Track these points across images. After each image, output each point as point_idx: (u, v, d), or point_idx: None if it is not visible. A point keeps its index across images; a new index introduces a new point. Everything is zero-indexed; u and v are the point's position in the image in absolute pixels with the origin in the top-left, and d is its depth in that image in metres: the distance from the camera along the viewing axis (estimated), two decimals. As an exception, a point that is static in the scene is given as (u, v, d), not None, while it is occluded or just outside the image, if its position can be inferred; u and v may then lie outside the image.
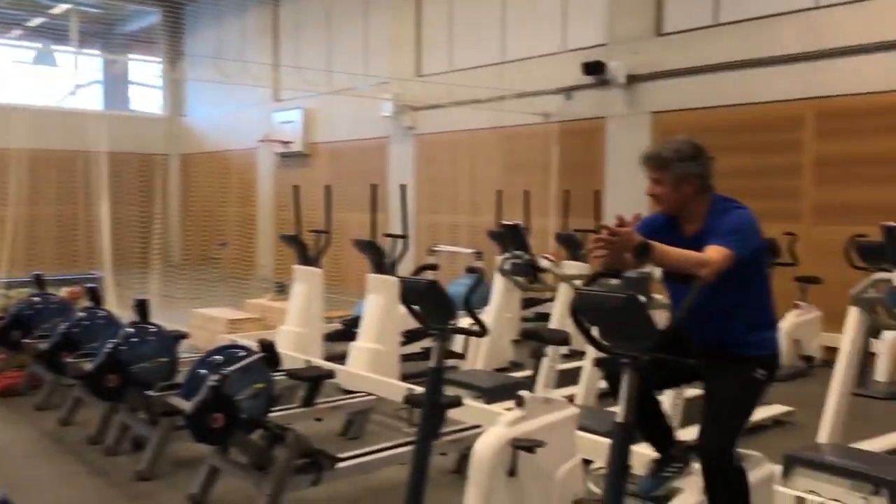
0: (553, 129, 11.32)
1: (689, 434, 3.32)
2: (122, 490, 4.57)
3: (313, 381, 5.16)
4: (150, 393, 4.65)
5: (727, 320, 3.17)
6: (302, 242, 7.88)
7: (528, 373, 6.07)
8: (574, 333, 3.38)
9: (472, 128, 12.46)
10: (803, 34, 8.77)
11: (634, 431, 3.14)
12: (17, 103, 14.24)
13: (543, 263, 7.32)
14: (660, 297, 5.11)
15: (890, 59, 8.13)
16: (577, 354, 6.67)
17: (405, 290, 3.83)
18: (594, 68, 10.56)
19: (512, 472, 3.38)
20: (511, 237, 7.78)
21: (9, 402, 6.40)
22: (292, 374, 5.26)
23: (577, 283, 5.84)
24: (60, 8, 16.32)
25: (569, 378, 6.17)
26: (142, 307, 5.21)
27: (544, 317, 8.64)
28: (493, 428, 3.47)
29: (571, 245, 9.09)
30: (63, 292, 7.59)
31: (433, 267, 4.34)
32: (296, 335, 7.41)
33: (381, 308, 6.99)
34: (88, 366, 4.89)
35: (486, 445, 3.37)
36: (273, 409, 4.53)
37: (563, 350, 6.05)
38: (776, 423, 5.91)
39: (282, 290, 9.97)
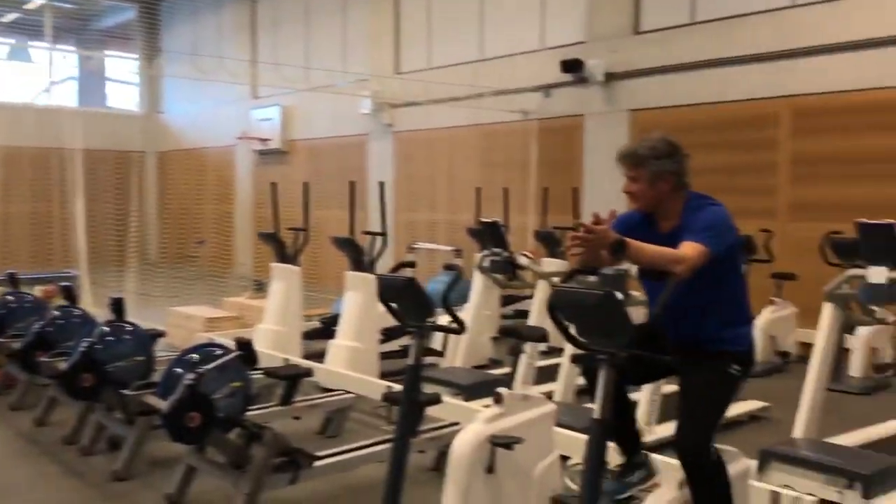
0: (532, 127, 11.35)
1: (666, 430, 3.34)
2: (99, 490, 4.53)
3: (291, 379, 5.14)
4: (126, 392, 4.61)
5: (702, 317, 3.19)
6: (280, 240, 7.84)
7: (506, 370, 6.09)
8: (552, 330, 3.38)
9: (451, 125, 12.45)
10: (779, 33, 8.84)
11: (611, 427, 3.16)
12: (-10, 100, 14.05)
13: (522, 261, 7.34)
14: (637, 293, 5.15)
15: (863, 57, 8.21)
16: (556, 351, 6.69)
17: (383, 287, 3.83)
18: (572, 66, 10.59)
19: (490, 469, 3.38)
20: (490, 235, 7.79)
21: (-18, 402, 6.33)
22: (270, 372, 5.24)
23: (556, 280, 5.86)
24: (35, 3, 16.09)
25: (547, 375, 6.19)
26: (117, 306, 5.16)
27: (523, 314, 8.66)
28: (471, 425, 3.47)
29: (550, 242, 9.12)
30: (37, 291, 7.50)
31: (411, 264, 4.34)
32: (274, 333, 7.38)
33: (359, 306, 6.98)
34: (63, 365, 4.83)
35: (465, 442, 3.38)
36: (251, 407, 4.51)
37: (542, 347, 6.07)
38: (752, 418, 5.96)
39: (260, 288, 9.93)
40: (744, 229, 5.95)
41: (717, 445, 3.19)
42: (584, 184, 10.57)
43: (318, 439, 5.33)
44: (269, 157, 15.95)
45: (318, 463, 4.16)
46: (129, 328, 5.10)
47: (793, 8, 8.82)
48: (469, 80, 11.52)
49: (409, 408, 3.71)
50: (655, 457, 3.55)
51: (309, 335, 7.89)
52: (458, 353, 7.24)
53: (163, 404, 3.97)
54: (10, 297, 6.46)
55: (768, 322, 7.71)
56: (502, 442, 3.36)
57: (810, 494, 3.61)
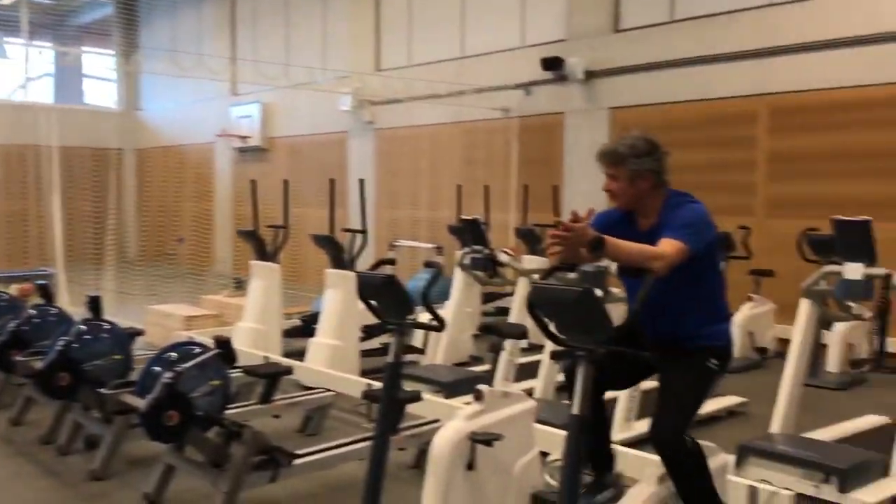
0: (512, 125, 11.37)
1: (645, 426, 3.35)
2: (76, 490, 4.48)
3: (271, 377, 5.13)
4: (104, 391, 4.57)
5: (681, 314, 3.21)
6: (259, 238, 7.80)
7: (487, 367, 6.10)
8: (532, 327, 3.39)
9: (432, 122, 12.45)
10: (757, 31, 8.91)
11: (590, 423, 3.17)
12: (-35, 96, 13.87)
13: (503, 258, 7.35)
14: (617, 290, 5.17)
15: (839, 56, 8.30)
16: (536, 348, 6.70)
17: (362, 285, 3.81)
18: (552, 64, 10.62)
19: (470, 466, 3.38)
20: (470, 232, 7.79)
21: (-43, 402, 6.24)
22: (249, 370, 5.22)
23: (536, 277, 5.87)
24: (10, -2, 15.91)
25: (528, 372, 6.20)
26: (95, 304, 5.12)
27: (504, 311, 8.68)
28: (451, 422, 3.47)
29: (531, 240, 9.15)
30: (13, 289, 7.43)
31: (391, 262, 4.33)
32: (254, 331, 7.34)
33: (340, 303, 6.95)
34: (39, 364, 4.78)
35: (445, 439, 3.38)
36: (230, 406, 4.49)
37: (522, 344, 6.08)
38: (730, 413, 6.00)
39: (239, 286, 9.88)
40: (722, 226, 6.00)
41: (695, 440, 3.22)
42: (564, 181, 10.61)
43: (297, 437, 5.31)
44: (249, 155, 15.87)
45: (297, 461, 4.15)
46: (107, 327, 5.05)
47: (770, 7, 8.89)
48: (450, 77, 11.52)
49: (388, 405, 3.70)
50: (635, 452, 3.57)
51: (289, 333, 7.85)
52: (438, 351, 7.25)
53: (141, 403, 3.94)
54: (-15, 296, 6.39)
55: (746, 318, 7.78)
56: (482, 439, 3.36)
57: (787, 489, 3.64)
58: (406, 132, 13.01)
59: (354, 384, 5.67)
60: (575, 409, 2.91)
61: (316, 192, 10.95)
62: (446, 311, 7.41)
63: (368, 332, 7.10)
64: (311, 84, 12.80)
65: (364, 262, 7.92)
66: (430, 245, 8.91)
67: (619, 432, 4.76)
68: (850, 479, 4.06)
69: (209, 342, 4.37)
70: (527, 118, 11.22)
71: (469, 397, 3.60)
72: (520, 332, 4.72)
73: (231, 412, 4.51)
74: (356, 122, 13.62)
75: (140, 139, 19.14)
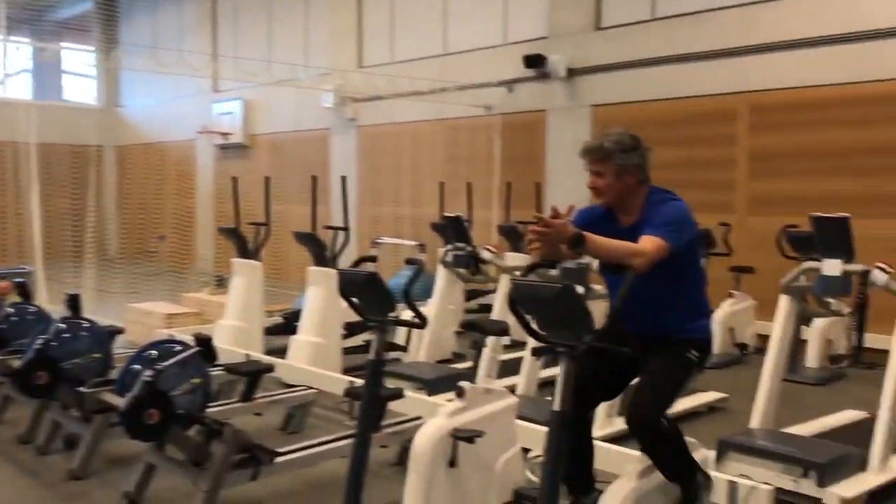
0: (495, 122, 11.38)
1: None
2: (55, 490, 4.45)
3: (252, 375, 5.10)
4: (83, 390, 4.53)
5: (661, 310, 3.22)
6: (241, 235, 7.76)
7: (470, 364, 6.10)
8: (514, 324, 3.39)
9: (415, 119, 12.44)
10: (738, 29, 8.97)
11: (571, 419, 3.18)
12: (-59, 92, 13.68)
13: (485, 255, 7.36)
14: (598, 287, 5.19)
15: (818, 54, 8.36)
16: (519, 345, 6.71)
17: (343, 282, 3.80)
18: (535, 61, 10.63)
19: (452, 463, 3.39)
20: (453, 229, 7.80)
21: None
22: (230, 368, 5.20)
23: (518, 274, 5.88)
24: (-13, -7, 15.73)
25: (511, 368, 6.20)
26: (74, 302, 5.07)
27: (487, 308, 8.69)
28: (433, 419, 3.47)
29: (513, 237, 9.16)
30: (-9, 287, 7.33)
31: (372, 259, 4.33)
32: (235, 329, 7.31)
33: (322, 301, 6.94)
34: (17, 363, 4.74)
35: (427, 436, 3.38)
36: (211, 404, 4.46)
37: (505, 341, 6.09)
38: (710, 409, 6.04)
39: (221, 283, 9.84)
40: (703, 223, 6.03)
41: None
42: (546, 178, 10.63)
43: (279, 435, 5.29)
44: (231, 152, 15.79)
45: (279, 459, 4.13)
46: (86, 325, 5.01)
47: (751, 5, 8.94)
48: (432, 74, 11.51)
49: (370, 403, 3.70)
50: (616, 448, 3.59)
51: (271, 331, 7.83)
52: (421, 348, 7.24)
53: (120, 401, 3.91)
54: (-38, 294, 6.32)
55: (727, 314, 7.83)
56: (464, 436, 3.36)
57: (766, 484, 3.67)
58: (388, 129, 12.99)
59: (336, 382, 5.65)
60: (556, 406, 2.92)
61: (298, 190, 10.92)
62: (429, 308, 7.41)
63: (350, 330, 7.09)
64: (293, 81, 12.75)
65: (346, 260, 7.90)
66: (412, 242, 8.90)
67: (599, 429, 4.76)
68: (828, 473, 4.09)
69: (190, 340, 4.35)
70: (509, 115, 11.23)
71: (451, 394, 3.61)
72: (501, 329, 4.72)
73: (212, 410, 4.49)
74: (338, 119, 13.58)
75: (120, 136, 19.00)
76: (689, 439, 3.35)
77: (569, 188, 9.86)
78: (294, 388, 5.59)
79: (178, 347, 4.22)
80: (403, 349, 7.42)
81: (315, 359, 6.57)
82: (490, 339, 5.75)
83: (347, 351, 7.04)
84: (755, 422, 4.77)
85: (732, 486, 3.60)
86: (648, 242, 3.01)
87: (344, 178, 8.23)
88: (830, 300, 5.87)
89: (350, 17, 13.55)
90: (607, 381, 3.36)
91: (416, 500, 3.31)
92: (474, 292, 9.30)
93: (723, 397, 6.14)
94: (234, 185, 8.15)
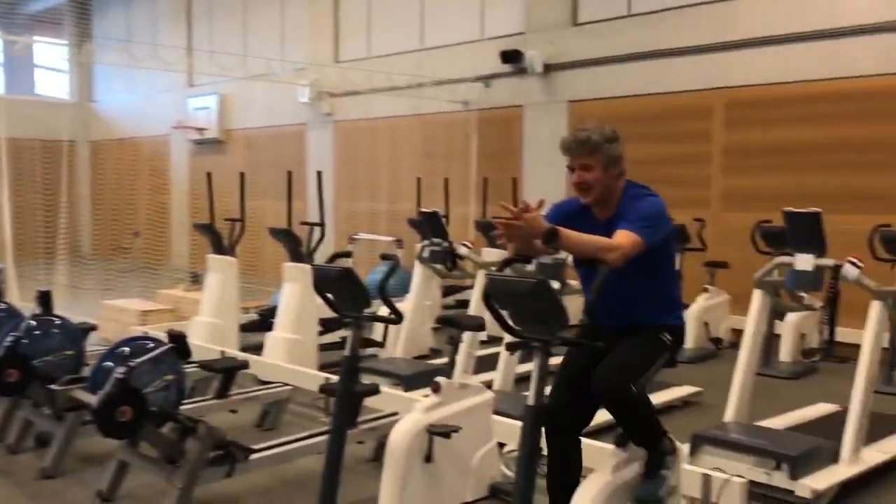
0: (472, 117, 11.38)
1: (603, 415, 3.37)
2: (26, 489, 4.39)
3: (227, 372, 5.07)
4: (55, 387, 4.47)
5: (636, 306, 3.23)
6: (216, 231, 7.70)
7: (447, 359, 6.10)
8: (490, 319, 3.39)
9: (392, 115, 12.41)
10: (713, 26, 9.02)
11: (546, 413, 3.19)
12: None
13: (462, 251, 7.35)
14: (574, 283, 5.21)
15: (793, 51, 8.44)
16: (496, 340, 6.72)
17: (317, 277, 3.78)
18: (511, 57, 10.64)
19: (428, 458, 3.39)
20: (430, 225, 7.79)
21: None
22: (205, 365, 5.16)
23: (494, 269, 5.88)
24: (-43, -15, 15.47)
25: (489, 364, 6.22)
26: (45, 299, 5.01)
27: (465, 304, 8.69)
28: (408, 415, 3.47)
29: (490, 232, 9.16)
30: (-39, 285, 7.21)
31: (347, 254, 4.31)
32: (210, 326, 7.25)
33: (297, 297, 6.90)
34: (-13, 361, 4.67)
35: (402, 432, 3.38)
36: (185, 401, 4.42)
37: (482, 336, 6.10)
38: (685, 403, 6.09)
39: (196, 280, 9.76)
40: (678, 219, 6.07)
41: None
42: (523, 174, 10.65)
43: (255, 432, 5.26)
44: (206, 147, 15.67)
45: (254, 456, 4.11)
46: (58, 322, 4.95)
47: (726, 1, 9.00)
48: (409, 69, 11.48)
49: (345, 399, 3.68)
50: (591, 442, 3.59)
51: (246, 327, 7.78)
52: (398, 344, 7.23)
53: (92, 399, 3.86)
54: (-70, 291, 6.22)
55: (701, 309, 7.89)
56: (440, 431, 3.36)
57: (739, 476, 3.70)
58: (365, 124, 12.95)
59: (312, 378, 5.62)
60: (531, 400, 2.93)
61: (274, 185, 10.84)
62: (406, 304, 7.40)
63: (325, 326, 7.06)
64: (269, 75, 12.67)
65: (322, 256, 7.86)
66: (389, 238, 8.88)
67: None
68: (800, 465, 4.14)
69: (164, 337, 4.31)
70: (486, 111, 11.24)
71: (428, 390, 3.60)
72: (477, 325, 4.73)
73: (187, 407, 4.45)
74: (315, 114, 13.52)
75: (94, 131, 18.79)
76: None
77: (545, 183, 9.89)
78: (269, 385, 5.56)
79: (152, 344, 4.18)
80: (380, 345, 7.41)
81: (291, 355, 6.54)
82: (467, 335, 5.76)
83: (324, 347, 7.01)
84: (729, 415, 4.81)
85: (706, 479, 3.62)
86: (623, 237, 3.01)
87: (319, 174, 8.20)
88: (803, 295, 5.93)
89: (326, 11, 13.48)
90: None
91: (392, 495, 3.31)
92: (451, 288, 9.30)
93: (697, 391, 6.19)
94: (208, 180, 8.08)
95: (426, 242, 7.64)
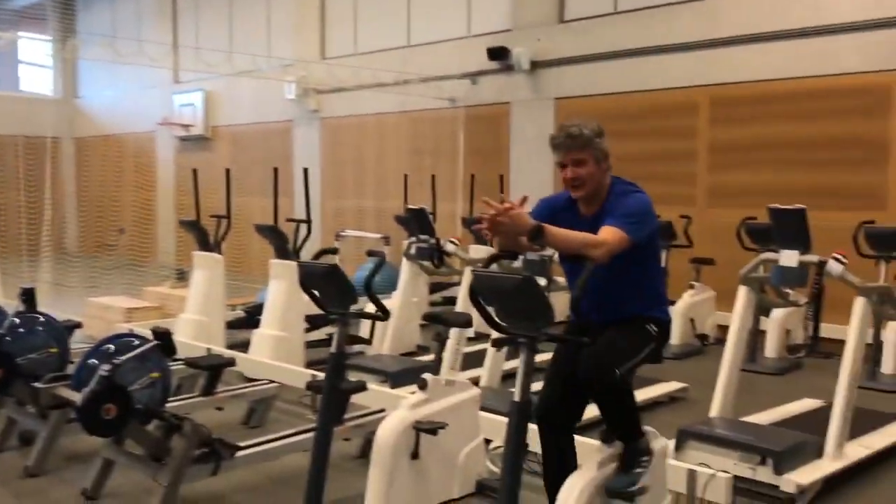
0: (459, 114, 11.37)
1: (590, 411, 3.38)
2: (10, 488, 4.36)
3: (213, 369, 5.05)
4: (38, 385, 4.43)
5: (621, 302, 3.23)
6: (202, 228, 7.67)
7: (434, 356, 6.10)
8: (477, 316, 3.39)
9: (378, 111, 12.39)
10: (699, 23, 9.05)
11: (538, 411, 3.19)
12: None
13: (449, 247, 7.35)
14: (561, 279, 5.21)
15: (778, 48, 8.48)
16: (483, 337, 6.73)
17: (303, 274, 3.77)
18: (498, 54, 10.64)
19: (415, 455, 3.39)
20: (417, 221, 7.78)
21: None
22: (191, 362, 5.14)
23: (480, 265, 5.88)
24: (-61, -20, 15.33)
25: (476, 360, 6.22)
26: (28, 296, 4.97)
27: (452, 301, 8.69)
28: (395, 412, 3.47)
29: (473, 226, 9.14)
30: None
31: (333, 251, 4.30)
32: (196, 323, 7.22)
33: (284, 294, 6.88)
34: (-30, 359, 4.63)
35: (389, 429, 3.38)
36: (171, 398, 4.40)
37: (469, 333, 6.10)
38: (671, 399, 6.11)
39: (182, 277, 9.72)
40: (664, 215, 6.10)
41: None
42: (510, 171, 10.66)
43: (241, 429, 5.24)
44: (192, 144, 15.59)
45: (240, 453, 4.09)
46: (42, 319, 4.92)
47: (711, -1, 9.05)
48: (396, 66, 11.46)
49: (331, 396, 3.68)
50: (578, 439, 3.60)
51: (233, 325, 7.75)
52: (385, 341, 7.23)
53: (77, 396, 3.84)
54: (-88, 289, 6.16)
55: (687, 306, 7.92)
56: (426, 428, 3.37)
57: (725, 471, 3.72)
58: (352, 121, 12.92)
59: (298, 375, 5.62)
60: (517, 396, 2.93)
61: (260, 182, 10.82)
62: (393, 300, 7.39)
63: (312, 323, 7.04)
64: (255, 72, 12.61)
65: (308, 253, 7.85)
66: (376, 235, 8.87)
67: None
68: (785, 460, 4.16)
69: (149, 334, 4.28)
70: (473, 108, 11.24)
71: (415, 387, 3.60)
72: (464, 321, 4.72)
73: (173, 405, 4.43)
74: (301, 111, 13.48)
75: (78, 127, 18.67)
76: (648, 428, 3.38)
77: (531, 180, 9.91)
78: (256, 382, 5.54)
79: (137, 341, 4.15)
80: (367, 342, 7.40)
81: (277, 352, 6.52)
82: (453, 332, 5.76)
83: (311, 344, 6.99)
84: (714, 411, 4.84)
85: (692, 475, 3.64)
86: (608, 233, 3.01)
87: (306, 171, 8.18)
88: (788, 291, 5.97)
89: (313, 7, 13.44)
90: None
91: (379, 492, 3.31)
92: (438, 285, 9.29)
93: (683, 387, 6.21)
94: (194, 177, 8.04)
95: (413, 239, 7.63)
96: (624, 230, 3.02)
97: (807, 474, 4.17)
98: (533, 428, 3.14)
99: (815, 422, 4.86)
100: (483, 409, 3.85)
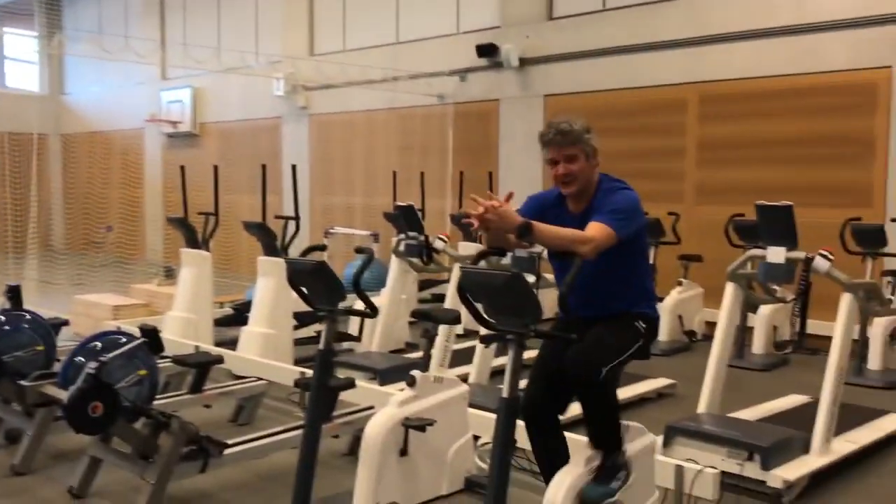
0: (448, 111, 11.37)
1: (579, 407, 3.39)
2: (-4, 486, 4.34)
3: (201, 367, 5.03)
4: (24, 383, 4.41)
5: (609, 298, 3.24)
6: (190, 225, 7.63)
7: (423, 353, 6.10)
8: (467, 313, 3.39)
9: (367, 108, 12.37)
10: (688, 20, 9.08)
11: (523, 407, 3.19)
12: None
13: (438, 244, 7.34)
14: (550, 276, 5.22)
15: (765, 45, 8.52)
16: (472, 334, 6.72)
17: (291, 271, 3.76)
18: (487, 51, 10.64)
19: (404, 452, 3.39)
20: (405, 218, 7.77)
21: None
22: (179, 360, 5.12)
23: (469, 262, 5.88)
24: (-77, -25, 15.20)
25: (465, 357, 6.22)
26: (14, 294, 4.94)
27: (441, 298, 8.69)
28: (384, 408, 3.46)
29: (466, 226, 9.14)
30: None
31: (322, 248, 4.28)
32: (184, 321, 7.19)
33: (272, 291, 6.86)
34: (-45, 357, 4.60)
35: (377, 426, 3.37)
36: (158, 396, 4.38)
37: (458, 330, 6.10)
38: (659, 395, 6.14)
39: (169, 274, 9.68)
40: (652, 212, 6.11)
41: (624, 422, 3.27)
42: (499, 167, 10.66)
43: (229, 427, 5.23)
44: (180, 141, 15.52)
45: (228, 451, 4.08)
46: (28, 317, 4.89)
47: (700, -3, 9.07)
48: (385, 62, 11.44)
49: (319, 393, 3.67)
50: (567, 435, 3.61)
51: (221, 322, 7.73)
52: (374, 338, 7.22)
53: (63, 394, 3.82)
54: None
55: (675, 302, 7.95)
56: (415, 424, 3.37)
57: (712, 467, 3.73)
58: (341, 118, 12.89)
59: (286, 372, 5.60)
60: (505, 393, 2.93)
61: (249, 179, 10.79)
62: (382, 297, 7.38)
63: (300, 320, 7.03)
64: (244, 68, 12.57)
65: (297, 250, 7.82)
66: (366, 232, 8.86)
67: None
68: (772, 456, 4.18)
69: (136, 332, 4.26)
70: (462, 105, 11.23)
71: (403, 384, 3.60)
72: (453, 318, 4.73)
73: (160, 402, 4.42)
74: (290, 108, 13.44)
75: (65, 124, 18.55)
76: (636, 424, 3.39)
77: (520, 177, 9.92)
78: (244, 380, 5.53)
79: (124, 339, 4.14)
80: (356, 339, 7.39)
81: (266, 350, 6.50)
82: (442, 329, 5.76)
83: (299, 342, 6.98)
84: (702, 407, 4.85)
85: (679, 471, 3.65)
86: (596, 230, 3.02)
87: (294, 167, 8.15)
88: (775, 287, 5.99)
89: (301, 3, 13.39)
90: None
91: (367, 489, 3.31)
92: (427, 282, 9.29)
93: (671, 383, 6.23)
94: (182, 174, 7.99)
95: (402, 236, 7.62)
96: (611, 227, 3.04)
97: (794, 470, 4.20)
98: (521, 424, 3.14)
99: (802, 417, 4.89)
100: (472, 405, 3.85)
